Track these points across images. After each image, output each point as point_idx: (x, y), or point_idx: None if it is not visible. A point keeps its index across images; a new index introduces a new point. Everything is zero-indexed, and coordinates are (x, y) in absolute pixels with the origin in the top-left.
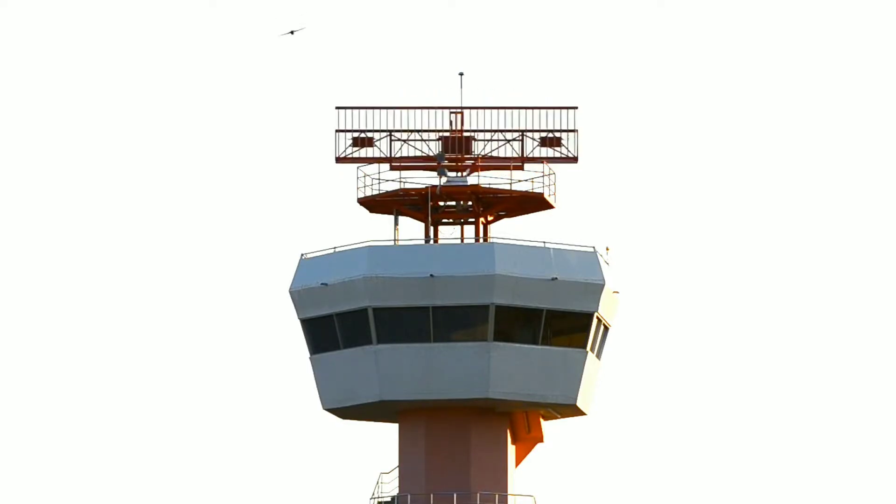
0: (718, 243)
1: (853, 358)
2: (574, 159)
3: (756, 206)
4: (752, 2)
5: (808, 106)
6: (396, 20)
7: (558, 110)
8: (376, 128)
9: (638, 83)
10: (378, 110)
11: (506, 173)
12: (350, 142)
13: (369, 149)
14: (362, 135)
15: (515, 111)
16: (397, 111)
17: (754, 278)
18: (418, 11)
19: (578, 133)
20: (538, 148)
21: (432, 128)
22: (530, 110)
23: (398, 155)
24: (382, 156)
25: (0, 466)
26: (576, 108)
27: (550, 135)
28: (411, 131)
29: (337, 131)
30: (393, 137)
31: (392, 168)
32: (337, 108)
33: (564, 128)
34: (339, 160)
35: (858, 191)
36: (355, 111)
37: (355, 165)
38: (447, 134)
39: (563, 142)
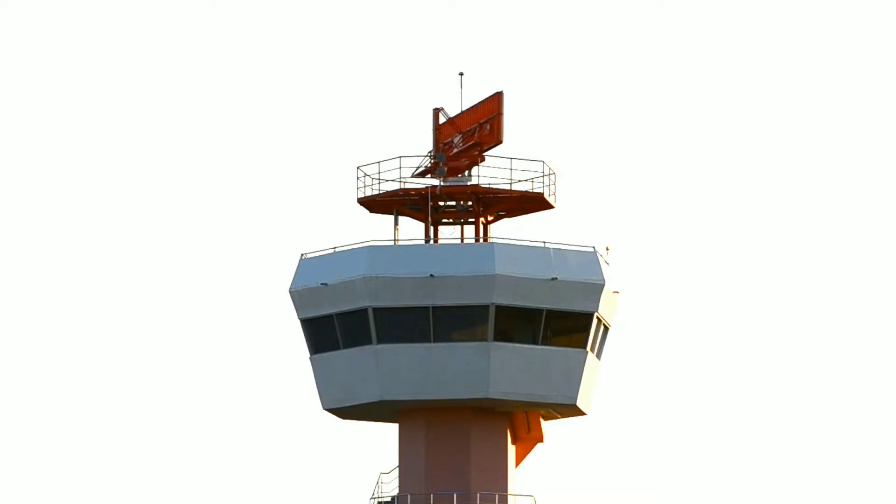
0: (718, 243)
1: (853, 358)
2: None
3: (755, 206)
4: (751, 3)
5: (808, 107)
6: (396, 20)
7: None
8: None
9: (639, 83)
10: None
11: (506, 173)
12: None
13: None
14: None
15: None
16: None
17: (754, 278)
18: (418, 11)
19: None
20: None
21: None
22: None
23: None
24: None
25: (0, 466)
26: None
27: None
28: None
29: (358, 167)
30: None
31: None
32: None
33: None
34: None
35: (858, 191)
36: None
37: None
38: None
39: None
